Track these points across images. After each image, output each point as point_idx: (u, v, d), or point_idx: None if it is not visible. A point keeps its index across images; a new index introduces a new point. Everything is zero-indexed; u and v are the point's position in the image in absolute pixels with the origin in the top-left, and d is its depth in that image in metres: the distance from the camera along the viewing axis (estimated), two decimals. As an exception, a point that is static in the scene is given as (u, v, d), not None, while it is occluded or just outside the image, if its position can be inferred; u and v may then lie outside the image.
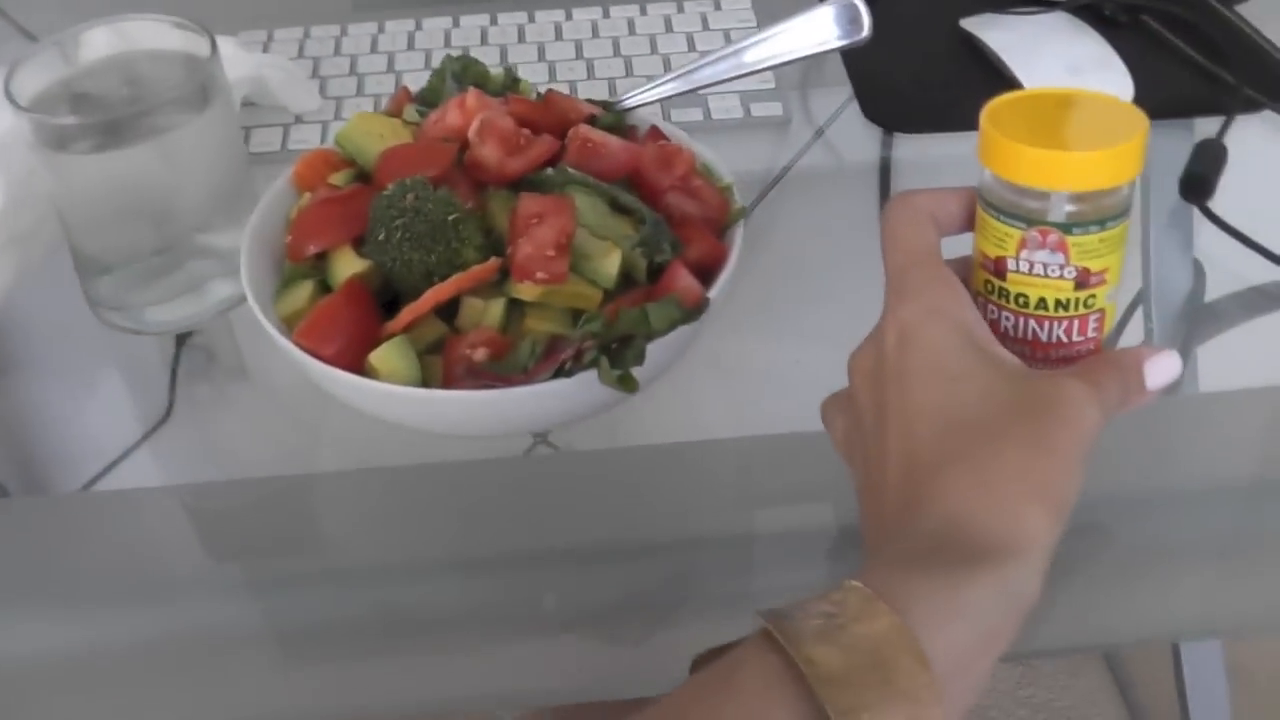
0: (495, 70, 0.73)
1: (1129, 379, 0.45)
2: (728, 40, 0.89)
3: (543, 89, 0.72)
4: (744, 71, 0.74)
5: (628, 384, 0.56)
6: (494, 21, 0.92)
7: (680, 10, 0.94)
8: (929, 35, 0.92)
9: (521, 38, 0.91)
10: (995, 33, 0.90)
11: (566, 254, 0.60)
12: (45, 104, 0.68)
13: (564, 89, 0.83)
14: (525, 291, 0.59)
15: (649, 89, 0.74)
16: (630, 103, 0.73)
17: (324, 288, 0.64)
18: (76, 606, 0.61)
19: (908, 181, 0.84)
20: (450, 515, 0.64)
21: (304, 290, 0.63)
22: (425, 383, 0.59)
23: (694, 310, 0.58)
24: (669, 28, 0.91)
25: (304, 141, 0.83)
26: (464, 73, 0.71)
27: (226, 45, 0.79)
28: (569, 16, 0.93)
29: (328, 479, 0.67)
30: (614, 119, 0.68)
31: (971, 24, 0.92)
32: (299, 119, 0.85)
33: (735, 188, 0.67)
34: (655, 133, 0.70)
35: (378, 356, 0.59)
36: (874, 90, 0.87)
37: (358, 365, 0.59)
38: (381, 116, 0.69)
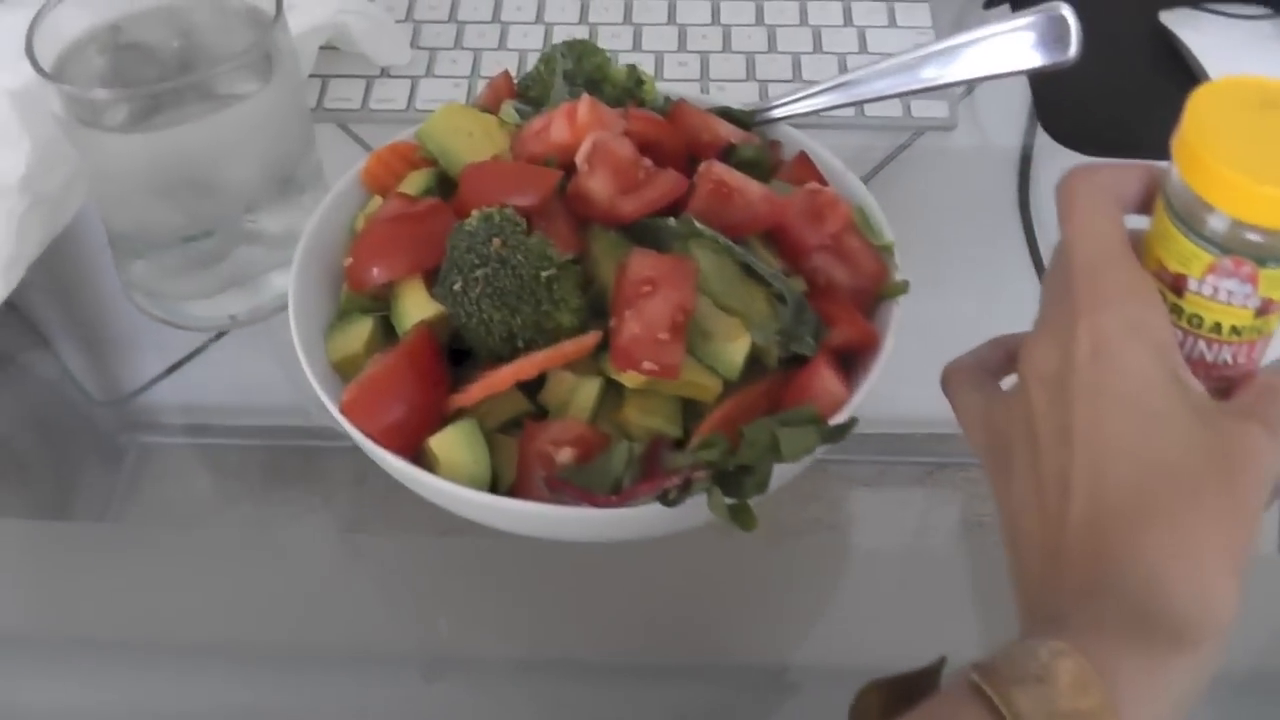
0: (614, 62, 0.60)
1: None
2: (891, 15, 0.76)
3: (673, 88, 0.59)
4: (919, 87, 0.61)
5: (744, 520, 0.45)
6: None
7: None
8: (1122, 33, 0.77)
9: (672, 16, 0.77)
10: (1196, 34, 0.75)
11: (682, 338, 0.48)
12: (78, 60, 0.57)
13: (695, 88, 0.70)
14: (627, 379, 0.48)
15: (801, 98, 0.61)
16: (778, 112, 0.60)
17: (385, 324, 0.53)
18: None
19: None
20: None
21: (361, 330, 0.53)
22: (494, 469, 0.48)
23: (837, 431, 0.46)
24: (848, 19, 0.76)
25: (388, 100, 0.71)
26: (579, 62, 0.58)
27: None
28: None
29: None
30: (756, 153, 0.56)
31: (1172, 19, 0.77)
32: (384, 72, 0.72)
33: (896, 249, 0.55)
34: (804, 163, 0.57)
35: (440, 443, 0.48)
36: (1055, 98, 0.73)
37: (416, 439, 0.48)
38: (473, 111, 0.57)
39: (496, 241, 0.49)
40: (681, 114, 0.56)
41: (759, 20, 0.76)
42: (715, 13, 0.76)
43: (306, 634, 0.54)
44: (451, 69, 0.72)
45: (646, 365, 0.47)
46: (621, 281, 0.49)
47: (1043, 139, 0.72)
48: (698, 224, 0.50)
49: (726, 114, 0.59)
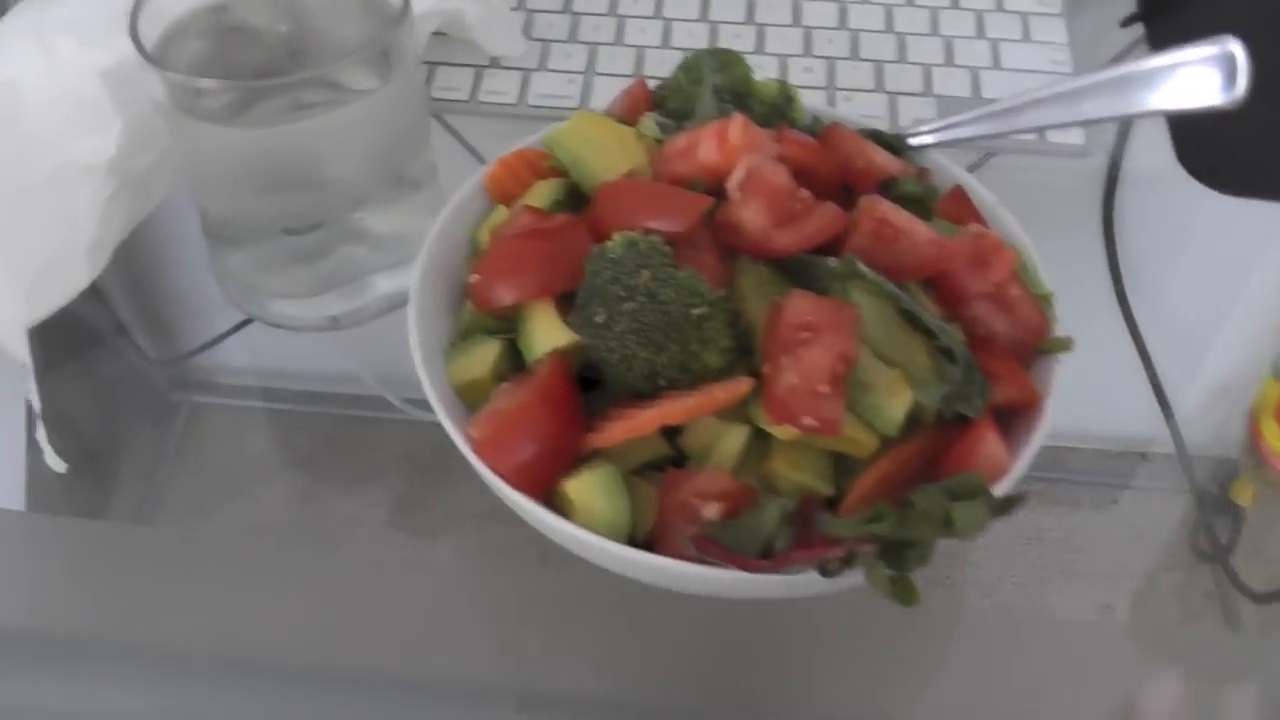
0: (761, 74, 0.56)
1: None
2: (1025, 29, 0.71)
3: (816, 104, 0.55)
4: (1075, 121, 0.57)
5: (906, 595, 0.41)
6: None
7: (998, 6, 0.74)
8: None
9: (797, 18, 0.72)
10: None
11: (843, 391, 0.44)
12: (179, 42, 0.53)
13: (822, 96, 0.66)
14: (781, 432, 0.44)
15: (954, 125, 0.57)
16: (928, 138, 0.57)
17: (511, 347, 0.49)
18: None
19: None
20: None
21: (486, 354, 0.49)
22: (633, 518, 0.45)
23: (1006, 505, 0.43)
24: (980, 30, 0.72)
25: (498, 93, 0.67)
26: (721, 72, 0.54)
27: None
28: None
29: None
30: (919, 189, 0.52)
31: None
32: (494, 62, 0.69)
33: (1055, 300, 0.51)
34: (961, 198, 0.53)
35: (578, 488, 0.44)
36: (1199, 134, 0.69)
37: (549, 479, 0.45)
38: (609, 121, 0.54)
39: (645, 274, 0.45)
40: (835, 138, 0.52)
41: (888, 26, 0.72)
42: (842, 15, 0.72)
43: (349, 652, 0.51)
44: (566, 63, 0.68)
45: (806, 421, 0.43)
46: (776, 324, 0.45)
47: (1132, 161, 0.68)
48: (861, 266, 0.46)
49: (877, 137, 0.55)
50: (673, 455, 0.47)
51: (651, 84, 0.57)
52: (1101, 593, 0.53)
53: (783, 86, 0.54)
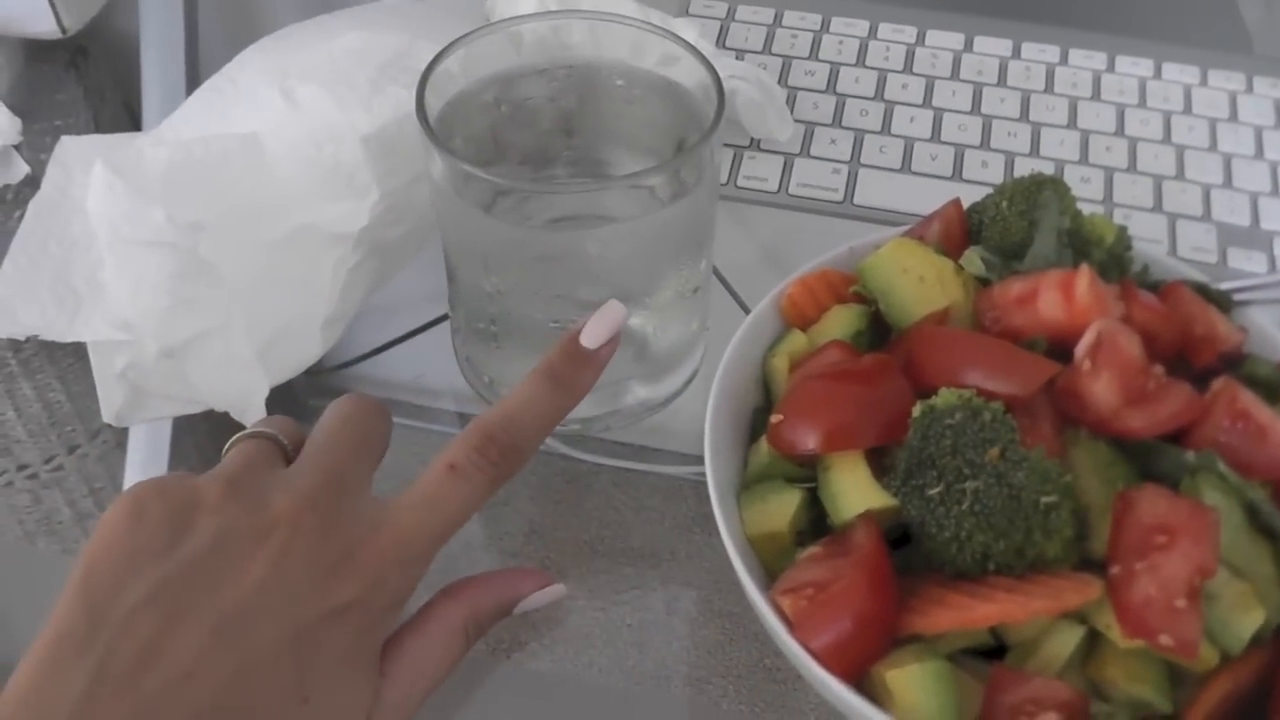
0: (1090, 207, 0.51)
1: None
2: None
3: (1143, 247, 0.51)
4: None
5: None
6: (1017, 54, 0.69)
7: (1249, 89, 0.70)
8: None
9: (1073, 118, 0.68)
10: None
11: (1199, 607, 0.40)
12: (461, 120, 0.50)
13: (1099, 209, 0.62)
14: (1127, 643, 0.40)
15: (1263, 283, 0.52)
16: (1248, 295, 0.52)
17: (811, 496, 0.46)
18: None
19: None
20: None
21: (786, 505, 0.46)
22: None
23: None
24: (1259, 150, 0.67)
25: (759, 179, 0.63)
26: (1058, 210, 0.50)
27: (688, 31, 0.60)
28: (1111, 66, 0.70)
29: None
30: (1270, 372, 0.47)
31: None
32: (754, 144, 0.65)
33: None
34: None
35: (900, 680, 0.41)
36: None
37: (863, 660, 0.42)
38: (926, 251, 0.50)
39: (994, 452, 0.41)
40: (1177, 298, 0.48)
41: (1166, 137, 0.67)
42: (1120, 120, 0.68)
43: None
44: (830, 150, 0.64)
45: (1164, 640, 0.39)
46: (1128, 521, 0.41)
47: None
48: (1222, 466, 0.42)
49: (1204, 292, 0.50)
50: (993, 645, 0.43)
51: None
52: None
53: (1122, 232, 0.50)
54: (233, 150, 0.52)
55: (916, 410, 0.43)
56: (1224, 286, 0.52)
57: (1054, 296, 0.46)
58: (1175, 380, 0.44)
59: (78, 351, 0.55)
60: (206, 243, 0.50)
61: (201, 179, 0.51)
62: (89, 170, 0.51)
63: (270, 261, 0.54)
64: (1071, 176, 0.65)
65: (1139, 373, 0.44)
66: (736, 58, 0.63)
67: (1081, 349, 0.44)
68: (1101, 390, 0.44)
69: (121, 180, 0.50)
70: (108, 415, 0.51)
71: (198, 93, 0.56)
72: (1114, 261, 0.49)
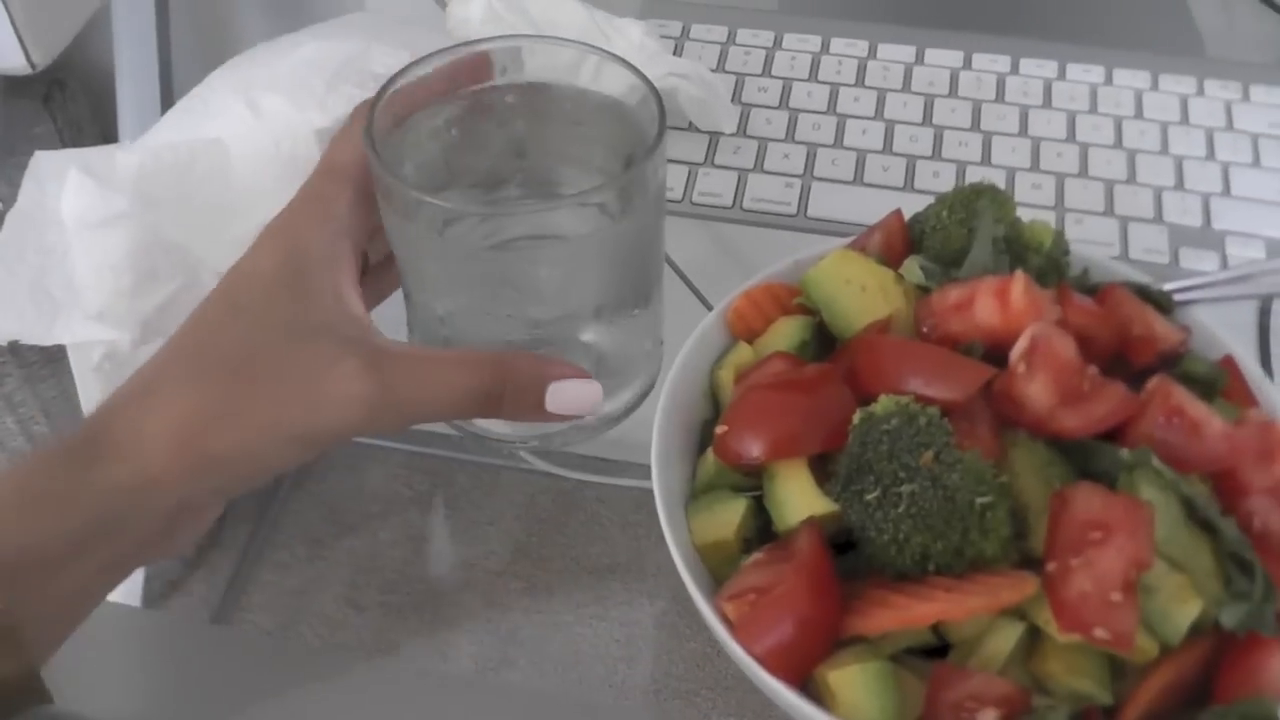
0: (1030, 213, 0.52)
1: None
2: (1255, 152, 0.68)
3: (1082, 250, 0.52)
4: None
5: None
6: (968, 64, 0.71)
7: (1200, 92, 0.71)
8: None
9: (1024, 126, 0.69)
10: None
11: (1135, 600, 0.41)
12: (410, 143, 0.51)
13: (1051, 216, 0.63)
14: (1064, 636, 0.41)
15: (1213, 284, 0.53)
16: (1192, 294, 0.53)
17: (756, 505, 0.47)
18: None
19: None
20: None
21: (732, 514, 0.47)
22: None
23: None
24: (1210, 152, 0.68)
25: (714, 194, 0.64)
26: (994, 218, 0.51)
27: (634, 30, 0.61)
28: (1062, 74, 0.71)
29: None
30: (1209, 373, 0.48)
31: None
32: (709, 160, 0.66)
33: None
34: (1231, 370, 0.50)
35: (841, 681, 0.42)
36: None
37: (806, 663, 0.42)
38: (868, 262, 0.51)
39: (928, 455, 0.42)
40: (1114, 301, 0.49)
41: (1118, 142, 0.68)
42: (1071, 127, 0.69)
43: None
44: (783, 165, 0.66)
45: (1099, 633, 0.40)
46: (1063, 518, 0.42)
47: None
48: (1158, 464, 0.43)
49: (1144, 293, 0.51)
50: (936, 644, 0.44)
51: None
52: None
53: (1059, 236, 0.51)
54: (199, 154, 0.54)
55: (856, 417, 0.44)
56: (1166, 287, 0.53)
57: (990, 302, 0.47)
58: (1110, 380, 0.45)
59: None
60: (168, 222, 0.52)
61: (170, 182, 0.53)
62: (63, 182, 0.53)
63: (236, 257, 0.55)
64: (1023, 183, 0.65)
65: (1074, 374, 0.45)
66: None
67: (1016, 353, 0.45)
68: (1037, 392, 0.44)
69: (93, 180, 0.52)
70: (87, 409, 0.52)
71: (170, 111, 0.58)
72: (1052, 266, 0.50)
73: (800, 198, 0.64)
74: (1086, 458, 0.44)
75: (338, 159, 0.48)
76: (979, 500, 0.42)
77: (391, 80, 0.50)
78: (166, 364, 0.44)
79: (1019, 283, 0.46)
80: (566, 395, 0.45)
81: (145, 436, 0.41)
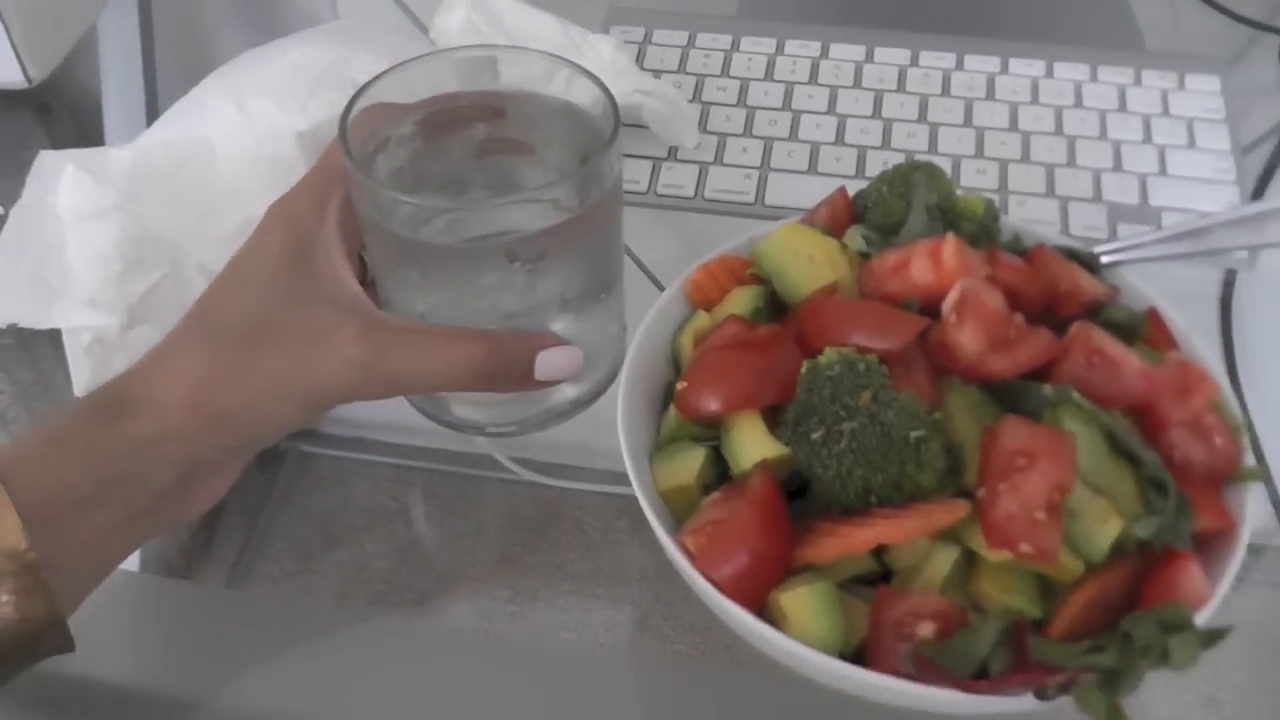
0: (961, 187, 0.57)
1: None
2: (1190, 135, 0.72)
3: (1018, 223, 0.56)
4: (1261, 244, 0.57)
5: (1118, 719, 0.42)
6: (915, 62, 0.75)
7: (1138, 82, 0.76)
8: None
9: (969, 118, 0.73)
10: None
11: (1059, 519, 0.45)
12: (383, 148, 0.55)
13: (995, 198, 0.67)
14: (993, 555, 0.45)
15: (1139, 245, 0.58)
16: (1122, 255, 0.57)
17: (715, 454, 0.51)
18: None
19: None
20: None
21: (692, 462, 0.50)
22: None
23: (1212, 637, 0.44)
24: (1147, 135, 0.73)
25: (676, 186, 0.69)
26: (933, 188, 0.55)
27: (605, 46, 0.65)
28: (1005, 69, 0.76)
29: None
30: (1128, 318, 0.53)
31: None
32: (672, 154, 0.70)
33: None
34: (1157, 323, 0.54)
35: (793, 602, 0.45)
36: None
37: (761, 590, 0.46)
38: (815, 233, 0.55)
39: (866, 395, 0.46)
40: (1042, 260, 0.53)
41: (1058, 129, 0.73)
42: (1014, 117, 0.73)
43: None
44: (741, 158, 0.70)
45: (1024, 548, 0.44)
46: (992, 449, 0.46)
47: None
48: (1078, 398, 0.47)
49: (1072, 255, 0.56)
50: (879, 571, 0.48)
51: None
52: (1209, 686, 0.53)
53: (990, 206, 0.55)
54: (189, 153, 0.58)
55: (803, 368, 0.48)
56: (1096, 250, 0.57)
57: (924, 263, 0.51)
58: (1036, 328, 0.49)
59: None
60: (157, 217, 0.56)
61: (162, 179, 0.57)
62: (61, 178, 0.57)
63: (224, 254, 0.59)
64: (968, 169, 0.70)
65: (1001, 323, 0.49)
66: (655, 77, 0.69)
67: (948, 304, 0.49)
68: (967, 339, 0.49)
69: (88, 175, 0.56)
70: (78, 389, 0.56)
71: (167, 112, 0.62)
72: (983, 232, 0.54)
73: (758, 187, 0.69)
74: (1015, 398, 0.48)
75: (334, 163, 0.52)
76: (914, 434, 0.46)
77: (364, 87, 0.54)
78: (182, 333, 0.49)
79: (950, 244, 0.50)
80: (553, 362, 0.50)
81: (161, 395, 0.46)
